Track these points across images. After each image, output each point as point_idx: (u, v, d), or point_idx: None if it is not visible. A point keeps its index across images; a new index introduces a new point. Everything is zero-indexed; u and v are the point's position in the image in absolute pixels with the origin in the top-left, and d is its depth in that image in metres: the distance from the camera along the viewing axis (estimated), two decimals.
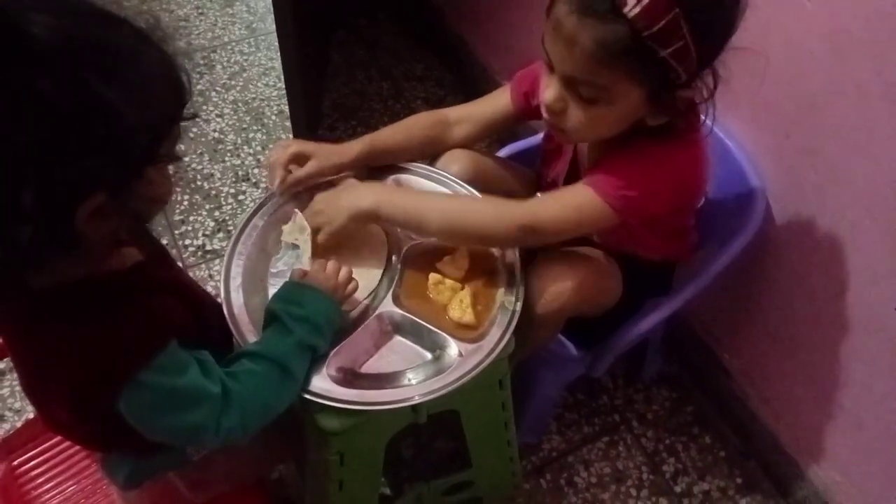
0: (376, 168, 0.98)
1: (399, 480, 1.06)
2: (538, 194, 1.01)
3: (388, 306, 0.82)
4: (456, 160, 1.02)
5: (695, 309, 1.28)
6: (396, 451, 1.17)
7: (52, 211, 0.51)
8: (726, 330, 1.25)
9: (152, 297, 0.64)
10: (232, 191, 1.64)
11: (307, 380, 0.74)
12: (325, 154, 0.93)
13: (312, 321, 0.73)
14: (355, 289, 0.81)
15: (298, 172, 0.91)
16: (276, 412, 0.72)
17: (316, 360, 0.76)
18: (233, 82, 1.89)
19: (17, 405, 1.26)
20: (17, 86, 0.47)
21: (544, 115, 0.82)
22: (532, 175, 1.10)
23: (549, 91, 0.78)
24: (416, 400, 0.75)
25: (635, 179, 0.80)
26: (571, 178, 0.95)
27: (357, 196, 0.87)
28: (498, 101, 1.02)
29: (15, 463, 0.90)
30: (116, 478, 0.78)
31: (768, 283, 1.11)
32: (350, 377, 0.77)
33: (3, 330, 0.66)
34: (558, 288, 0.89)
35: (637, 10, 0.66)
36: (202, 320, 0.73)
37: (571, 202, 0.83)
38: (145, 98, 0.53)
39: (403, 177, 0.97)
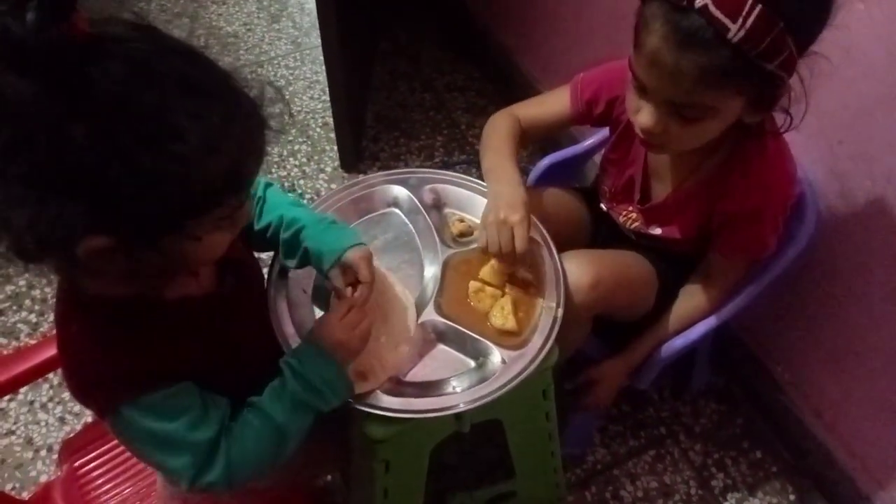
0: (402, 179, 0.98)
1: (442, 489, 1.07)
2: (603, 205, 1.06)
3: (430, 315, 0.83)
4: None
5: (744, 320, 1.25)
6: (440, 458, 1.17)
7: (46, 236, 0.50)
8: (777, 341, 1.22)
9: (177, 337, 0.64)
10: None
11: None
12: None
13: (309, 381, 0.69)
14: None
15: None
16: (269, 468, 0.69)
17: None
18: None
19: (77, 409, 1.31)
20: (53, 120, 0.46)
21: (639, 134, 0.82)
22: (570, 196, 1.11)
23: (645, 116, 0.78)
24: (462, 408, 0.75)
25: (767, 216, 0.88)
26: (645, 182, 0.97)
27: None
28: (558, 105, 1.02)
29: (76, 464, 0.94)
30: (159, 474, 0.80)
31: (820, 294, 1.08)
32: (395, 385, 0.78)
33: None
34: (581, 283, 0.89)
35: (742, 33, 0.66)
36: (237, 367, 0.71)
37: (740, 274, 0.97)
38: (181, 173, 0.51)
39: (439, 187, 0.98)
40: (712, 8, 0.66)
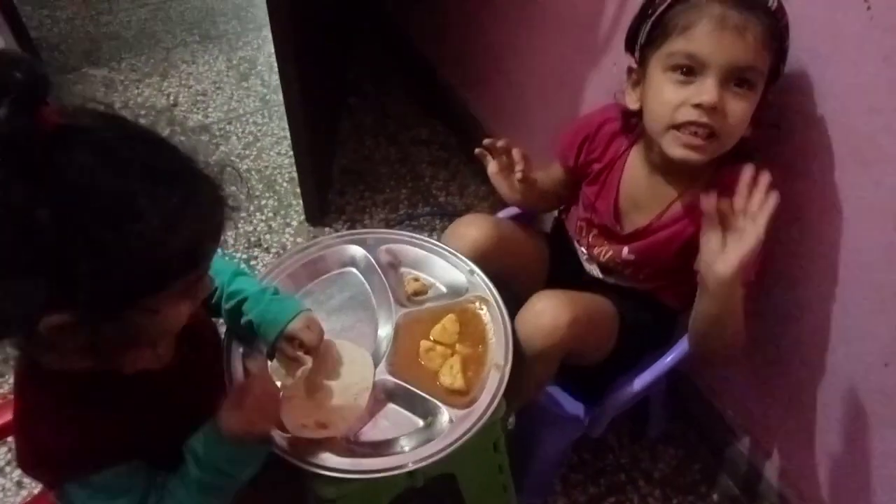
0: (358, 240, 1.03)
1: None
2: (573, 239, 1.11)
3: (381, 374, 0.86)
4: (474, 225, 1.07)
5: (697, 366, 1.29)
6: None
7: (6, 313, 0.52)
8: (727, 387, 1.26)
9: (134, 410, 0.66)
10: (244, 256, 1.70)
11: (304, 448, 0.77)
12: None
13: (215, 466, 0.69)
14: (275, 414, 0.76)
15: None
16: None
17: None
18: (247, 152, 1.98)
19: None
20: (18, 204, 0.49)
21: (698, 119, 0.83)
22: (536, 233, 1.17)
23: (705, 93, 0.81)
24: (410, 467, 0.77)
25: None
26: (617, 211, 1.02)
27: None
28: (555, 170, 1.12)
29: None
30: None
31: (764, 339, 1.12)
32: (346, 445, 0.80)
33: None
34: (555, 321, 0.92)
35: (775, 4, 0.81)
36: (194, 430, 0.72)
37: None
38: (138, 251, 0.53)
39: (395, 247, 1.01)
40: None
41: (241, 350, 0.87)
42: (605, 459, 1.35)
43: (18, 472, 1.30)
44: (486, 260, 1.02)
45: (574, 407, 1.08)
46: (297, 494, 0.88)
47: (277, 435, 0.78)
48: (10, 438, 1.30)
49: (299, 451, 0.77)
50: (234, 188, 0.63)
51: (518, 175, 0.99)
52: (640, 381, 1.03)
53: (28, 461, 0.65)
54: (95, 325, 0.55)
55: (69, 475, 0.63)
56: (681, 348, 1.03)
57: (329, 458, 0.77)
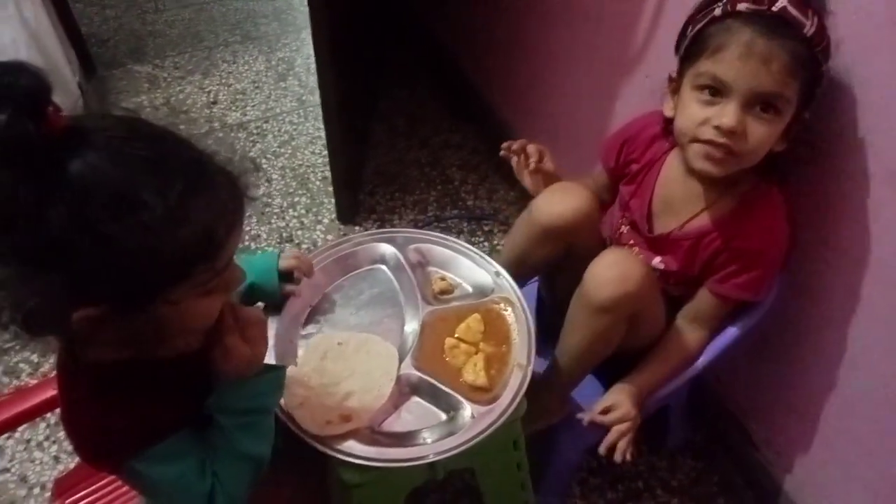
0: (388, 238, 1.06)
1: None
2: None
3: (407, 368, 0.88)
4: (574, 193, 1.04)
5: (720, 377, 1.29)
6: None
7: (36, 311, 0.54)
8: (750, 399, 1.26)
9: (173, 393, 0.69)
10: (276, 251, 1.74)
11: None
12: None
13: (233, 410, 0.71)
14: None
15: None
16: (259, 475, 0.74)
17: None
18: (282, 150, 2.04)
19: (71, 448, 1.35)
20: (30, 202, 0.52)
21: (716, 139, 0.86)
22: None
23: (727, 115, 0.84)
24: (431, 458, 0.80)
25: (767, 260, 0.95)
26: (651, 213, 1.04)
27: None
28: (599, 174, 1.16)
29: (68, 502, 0.97)
30: None
31: (787, 354, 1.13)
32: (371, 434, 0.83)
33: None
34: (625, 273, 0.92)
35: (812, 30, 0.81)
36: None
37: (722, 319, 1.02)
38: (154, 244, 0.55)
39: (424, 246, 1.04)
40: (790, 8, 0.81)
41: (273, 341, 0.91)
42: (622, 465, 1.35)
43: (56, 447, 1.36)
44: (573, 232, 1.04)
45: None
46: (320, 479, 0.91)
47: (305, 424, 0.81)
48: (48, 415, 1.37)
49: (324, 438, 0.80)
50: (252, 180, 0.66)
51: (531, 166, 1.08)
52: (662, 391, 1.04)
53: (87, 453, 0.69)
54: (124, 318, 0.58)
55: (126, 455, 0.66)
56: (704, 357, 1.04)
57: (354, 446, 0.80)
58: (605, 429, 1.09)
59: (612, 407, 0.98)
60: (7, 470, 1.33)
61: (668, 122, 0.99)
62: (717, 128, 0.85)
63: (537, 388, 1.05)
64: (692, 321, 1.03)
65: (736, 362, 1.20)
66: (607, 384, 1.08)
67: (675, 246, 1.01)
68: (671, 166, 1.02)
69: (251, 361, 0.72)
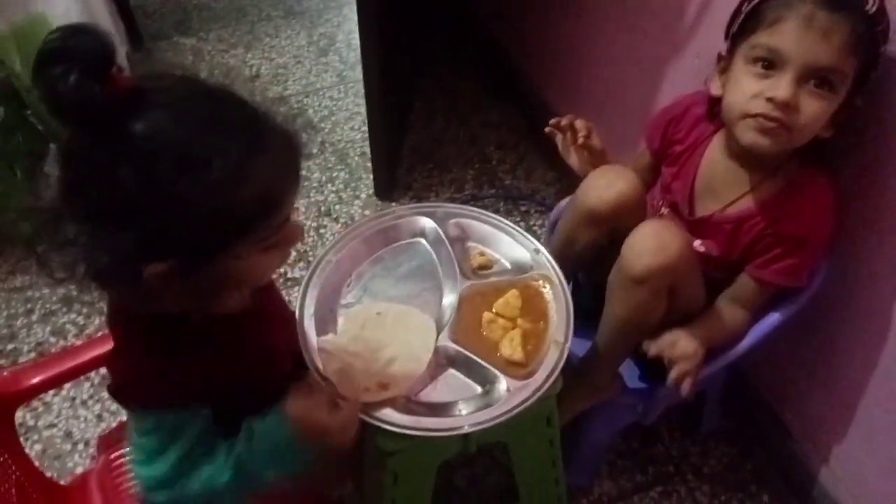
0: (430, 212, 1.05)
1: None
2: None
3: (444, 341, 0.89)
4: (622, 177, 1.03)
5: (757, 364, 1.28)
6: (450, 482, 1.22)
7: (118, 263, 0.57)
8: (788, 388, 1.24)
9: (219, 351, 0.71)
10: (314, 224, 1.77)
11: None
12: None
13: (259, 441, 0.72)
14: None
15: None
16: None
17: None
18: (322, 125, 2.05)
19: (114, 407, 1.40)
20: (103, 164, 0.54)
21: (768, 112, 0.84)
22: None
23: (781, 88, 0.83)
24: (466, 429, 0.80)
25: (811, 245, 0.93)
26: (692, 195, 1.02)
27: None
28: (642, 155, 1.15)
29: (112, 457, 1.01)
30: None
31: (830, 342, 1.10)
32: (407, 404, 0.84)
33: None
34: (663, 242, 0.91)
35: (874, 8, 0.80)
36: (267, 378, 0.77)
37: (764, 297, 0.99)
38: (218, 201, 0.57)
39: (464, 221, 1.04)
40: None
41: (312, 309, 0.92)
42: (654, 449, 1.35)
43: (99, 406, 1.41)
44: (619, 216, 1.01)
45: (632, 392, 1.09)
46: (356, 446, 0.92)
47: (343, 390, 0.82)
48: (93, 375, 1.42)
49: (363, 405, 0.82)
50: (306, 138, 0.67)
51: (580, 140, 1.06)
52: (701, 372, 1.02)
53: (114, 388, 0.72)
54: (190, 272, 0.60)
55: (141, 402, 0.69)
56: (741, 343, 1.02)
57: (391, 414, 0.81)
58: (638, 412, 1.09)
59: (676, 340, 0.95)
60: (54, 425, 1.38)
61: (714, 104, 0.97)
62: (769, 100, 0.83)
63: (584, 367, 1.06)
64: (732, 303, 1.01)
65: (774, 349, 1.18)
66: (651, 372, 1.08)
67: (717, 229, 0.99)
68: (716, 148, 1.01)
69: (323, 436, 0.72)
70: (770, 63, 0.84)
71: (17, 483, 0.91)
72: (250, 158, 0.59)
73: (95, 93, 0.52)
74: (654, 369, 1.04)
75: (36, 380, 0.93)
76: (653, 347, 0.95)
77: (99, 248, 0.57)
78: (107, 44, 0.54)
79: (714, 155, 1.00)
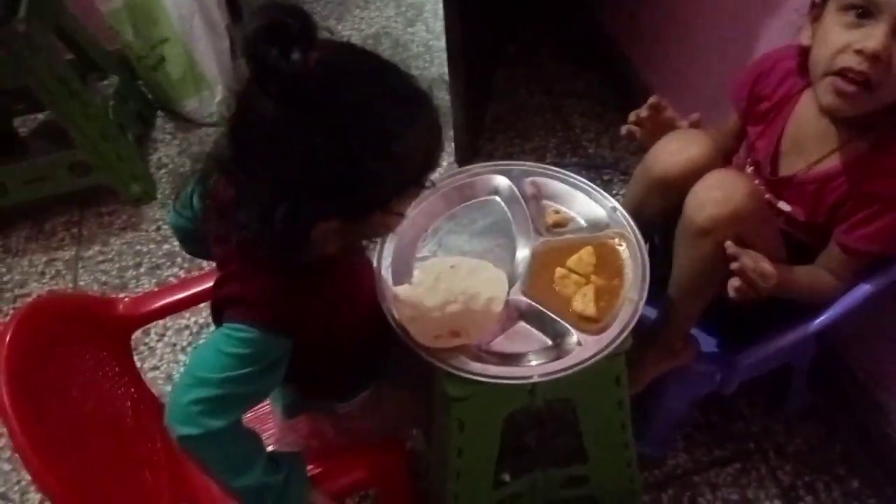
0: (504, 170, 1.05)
1: (520, 469, 1.13)
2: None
3: (515, 294, 0.90)
4: (695, 142, 0.99)
5: (848, 340, 1.20)
6: (520, 440, 1.24)
7: (295, 223, 0.63)
8: (883, 367, 1.16)
9: (326, 291, 0.76)
10: None
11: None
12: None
13: (266, 481, 0.75)
14: None
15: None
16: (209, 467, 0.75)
17: None
18: None
19: None
20: (299, 135, 0.59)
21: (855, 66, 0.80)
22: None
23: (873, 39, 0.78)
24: (535, 379, 0.81)
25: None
26: (777, 153, 0.98)
27: None
28: (731, 123, 1.10)
29: None
30: (276, 405, 0.93)
31: None
32: (476, 352, 0.86)
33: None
34: (728, 191, 0.88)
35: None
36: (353, 332, 0.84)
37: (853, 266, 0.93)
38: (396, 167, 0.64)
39: (539, 179, 1.04)
40: None
41: (389, 261, 0.95)
42: (734, 425, 1.31)
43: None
44: (691, 182, 0.94)
45: (708, 358, 1.06)
46: (427, 391, 0.96)
47: (417, 336, 0.85)
48: (192, 325, 1.53)
49: (434, 351, 0.84)
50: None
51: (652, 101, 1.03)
52: (782, 342, 0.98)
53: (224, 299, 0.74)
54: (352, 227, 0.67)
55: (247, 317, 0.70)
56: (830, 313, 0.96)
57: (461, 361, 0.83)
58: (716, 381, 1.06)
59: (759, 258, 0.87)
60: (157, 368, 1.51)
61: (806, 56, 0.92)
62: (858, 52, 0.78)
63: (655, 329, 1.04)
64: (821, 269, 0.96)
65: (869, 324, 1.11)
66: (726, 339, 1.04)
67: (800, 190, 0.95)
68: (805, 105, 0.95)
69: None
70: (864, 11, 0.78)
71: (132, 399, 1.00)
72: (421, 126, 0.65)
73: (309, 68, 0.57)
74: (734, 335, 1.01)
75: (156, 305, 1.03)
76: (732, 248, 0.87)
77: (276, 209, 0.62)
78: (311, 22, 0.58)
79: (804, 111, 0.95)
